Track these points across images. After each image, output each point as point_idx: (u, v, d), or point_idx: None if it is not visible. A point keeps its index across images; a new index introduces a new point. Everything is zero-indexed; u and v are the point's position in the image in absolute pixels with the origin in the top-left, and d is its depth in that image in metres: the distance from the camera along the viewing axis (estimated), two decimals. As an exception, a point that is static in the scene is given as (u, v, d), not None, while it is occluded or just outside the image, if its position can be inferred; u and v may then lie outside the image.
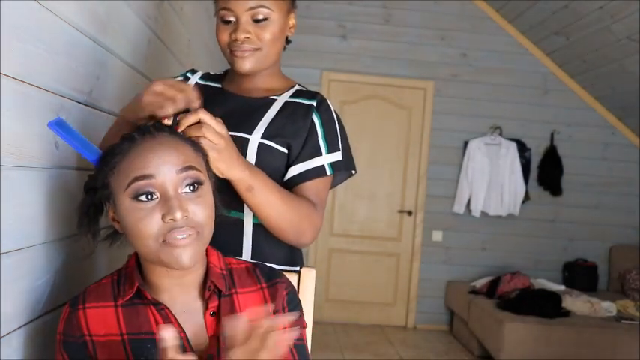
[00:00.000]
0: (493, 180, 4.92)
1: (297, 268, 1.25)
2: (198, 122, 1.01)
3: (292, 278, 1.19)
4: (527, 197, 4.96)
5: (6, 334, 0.96)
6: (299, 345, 1.01)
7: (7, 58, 0.90)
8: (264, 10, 1.22)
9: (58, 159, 1.12)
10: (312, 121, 1.26)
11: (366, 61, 4.97)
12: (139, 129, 0.95)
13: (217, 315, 0.98)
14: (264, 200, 1.13)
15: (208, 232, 0.94)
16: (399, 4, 4.95)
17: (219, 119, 1.04)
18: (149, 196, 0.89)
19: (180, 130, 1.00)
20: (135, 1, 1.56)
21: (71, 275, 1.23)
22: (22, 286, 1.01)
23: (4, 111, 0.90)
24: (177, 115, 1.01)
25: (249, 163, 1.12)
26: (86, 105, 1.25)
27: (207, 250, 1.01)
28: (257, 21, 1.23)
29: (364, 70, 4.97)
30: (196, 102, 1.03)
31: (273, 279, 1.03)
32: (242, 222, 1.23)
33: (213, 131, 1.01)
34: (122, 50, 1.48)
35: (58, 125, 0.95)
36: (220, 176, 1.05)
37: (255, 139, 1.22)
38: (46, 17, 1.03)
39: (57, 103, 1.09)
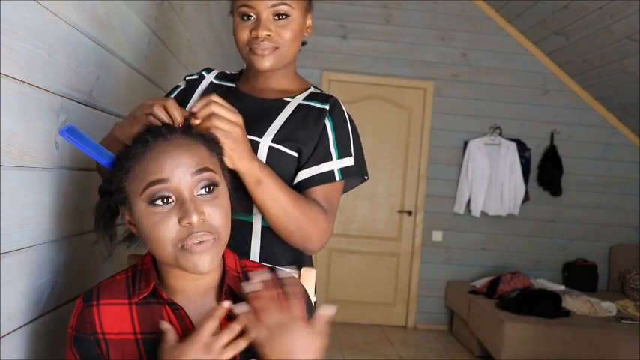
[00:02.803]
0: (493, 180, 4.92)
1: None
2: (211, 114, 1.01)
3: (292, 278, 1.19)
4: (527, 197, 4.96)
5: (6, 334, 0.96)
6: None
7: (7, 58, 0.90)
8: (285, 8, 1.22)
9: (58, 159, 1.12)
10: (325, 125, 1.24)
11: (366, 61, 4.97)
12: (151, 131, 0.93)
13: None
14: (272, 196, 1.12)
15: (225, 235, 0.93)
16: (399, 4, 4.95)
17: (233, 107, 1.04)
18: (165, 200, 0.88)
19: (194, 121, 0.99)
20: (135, 1, 1.56)
21: (73, 275, 1.23)
22: (22, 286, 1.01)
23: (4, 111, 0.90)
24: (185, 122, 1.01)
25: (258, 159, 1.12)
26: (86, 105, 1.25)
27: (223, 253, 1.00)
28: (278, 19, 1.22)
29: (364, 70, 4.97)
30: (182, 116, 1.02)
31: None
32: (251, 224, 1.22)
33: (225, 120, 1.01)
34: (122, 50, 1.48)
35: (70, 132, 0.94)
36: (230, 167, 1.05)
37: (265, 142, 1.20)
38: (46, 17, 1.03)
39: (57, 103, 1.09)
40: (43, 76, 1.03)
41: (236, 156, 1.04)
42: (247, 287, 0.92)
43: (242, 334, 0.91)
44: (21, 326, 1.01)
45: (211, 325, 0.90)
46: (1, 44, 0.88)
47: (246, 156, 1.06)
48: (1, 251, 0.93)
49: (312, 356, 0.90)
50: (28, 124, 0.99)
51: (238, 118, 1.04)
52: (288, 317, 0.90)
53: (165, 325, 0.91)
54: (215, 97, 1.03)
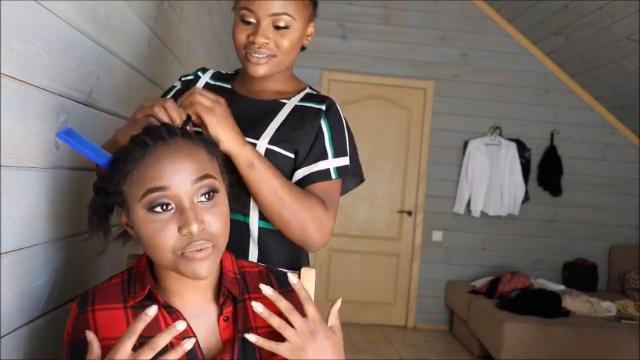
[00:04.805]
0: (493, 180, 4.92)
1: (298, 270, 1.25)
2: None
3: (292, 278, 1.18)
4: (527, 197, 4.96)
5: (6, 334, 0.96)
6: None
7: (7, 58, 0.90)
8: (287, 18, 1.20)
9: (58, 159, 1.12)
10: (320, 126, 1.24)
11: (366, 61, 4.97)
12: (151, 132, 0.92)
13: (233, 321, 0.97)
14: (265, 180, 1.12)
15: (224, 242, 0.93)
16: (399, 4, 4.95)
17: (211, 92, 1.10)
18: (164, 207, 0.88)
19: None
20: (135, 1, 1.56)
21: (72, 275, 1.23)
22: (22, 286, 1.01)
23: (4, 111, 0.90)
24: (185, 123, 1.01)
25: (250, 144, 1.13)
26: (86, 105, 1.25)
27: None
28: (278, 28, 1.21)
29: (364, 70, 4.97)
30: (180, 117, 1.04)
31: (287, 285, 1.02)
32: (247, 225, 1.22)
33: (206, 98, 1.06)
34: (122, 50, 1.48)
35: (67, 134, 0.94)
36: (221, 148, 1.05)
37: (262, 144, 1.20)
38: (45, 17, 1.03)
39: (57, 103, 1.09)
40: (42, 76, 1.03)
41: (224, 135, 1.07)
42: (267, 291, 0.92)
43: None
44: (20, 326, 1.01)
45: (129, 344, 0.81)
46: (1, 44, 0.88)
47: (235, 137, 1.09)
48: (1, 251, 0.93)
49: (340, 353, 0.94)
50: (27, 124, 0.99)
51: (220, 99, 1.08)
52: (312, 322, 0.93)
53: (90, 335, 0.85)
54: (198, 88, 1.09)
